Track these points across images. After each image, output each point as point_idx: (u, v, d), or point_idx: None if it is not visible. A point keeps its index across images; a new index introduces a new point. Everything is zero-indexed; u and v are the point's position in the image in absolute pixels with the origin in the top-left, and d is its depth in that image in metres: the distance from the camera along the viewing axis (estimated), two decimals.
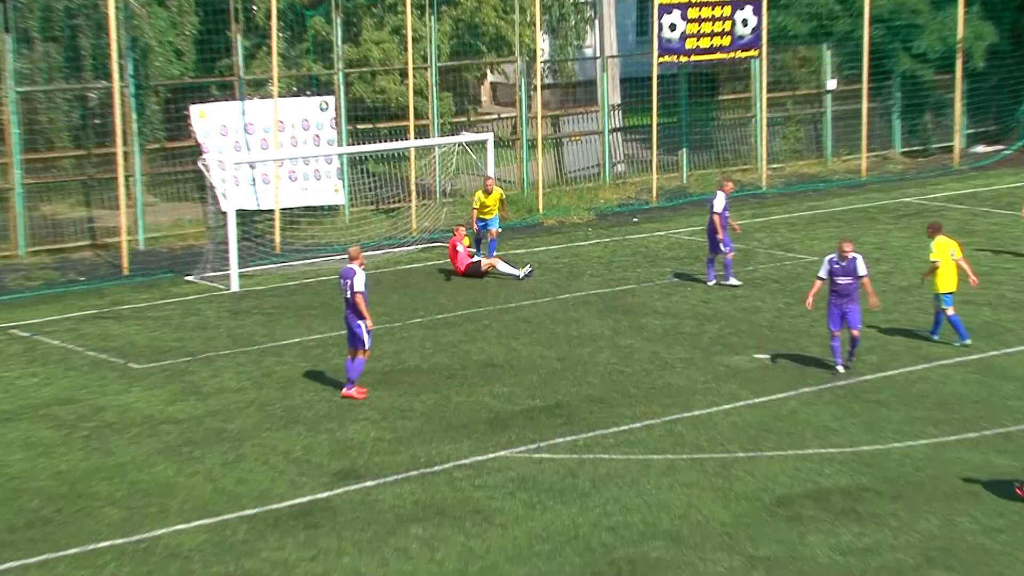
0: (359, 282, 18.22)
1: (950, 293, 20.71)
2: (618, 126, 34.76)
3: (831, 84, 36.43)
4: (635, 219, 31.18)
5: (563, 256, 27.64)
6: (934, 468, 16.40)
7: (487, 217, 25.98)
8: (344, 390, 18.64)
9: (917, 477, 16.15)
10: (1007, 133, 38.73)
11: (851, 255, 19.38)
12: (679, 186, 34.39)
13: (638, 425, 17.78)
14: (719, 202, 24.29)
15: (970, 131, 38.46)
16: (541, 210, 31.24)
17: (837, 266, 19.47)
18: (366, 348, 18.44)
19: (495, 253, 26.16)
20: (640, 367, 20.25)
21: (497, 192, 26.02)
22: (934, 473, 16.26)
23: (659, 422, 17.95)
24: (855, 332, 19.56)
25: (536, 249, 28.27)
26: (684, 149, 34.88)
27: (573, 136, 34.27)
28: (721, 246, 24.33)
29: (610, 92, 34.08)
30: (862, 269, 19.49)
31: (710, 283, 24.51)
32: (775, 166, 35.88)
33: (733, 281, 24.43)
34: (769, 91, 34.82)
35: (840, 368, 19.72)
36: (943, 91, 37.59)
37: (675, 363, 20.46)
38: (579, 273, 26.17)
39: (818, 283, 19.75)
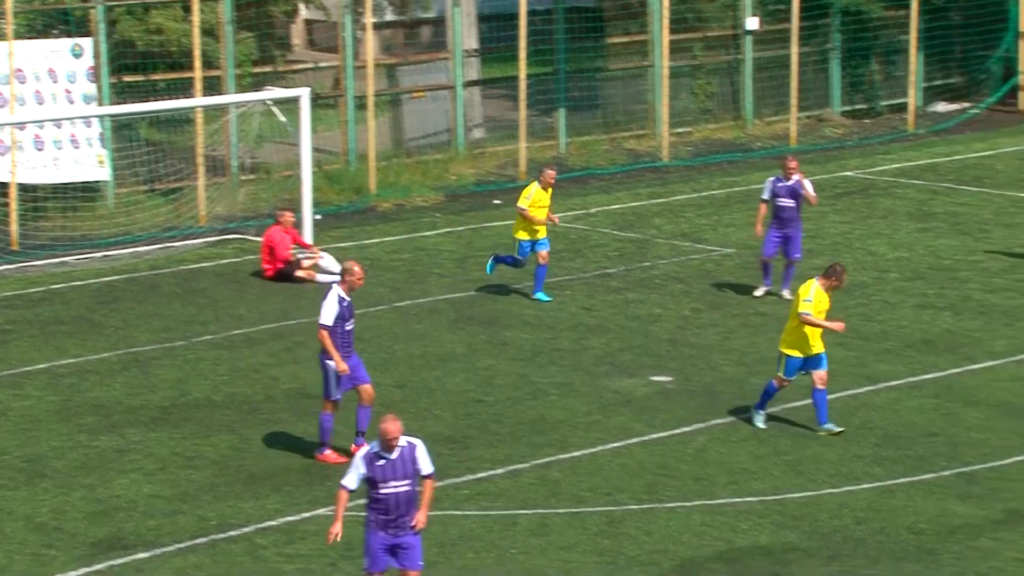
0: (324, 310, 17.87)
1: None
2: (475, 79, 35.05)
3: (751, 23, 37.08)
4: (497, 201, 31.51)
5: (403, 251, 27.82)
6: (879, 520, 16.93)
7: (535, 237, 23.84)
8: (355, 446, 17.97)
9: (858, 532, 16.66)
10: (976, 87, 39.82)
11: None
12: (555, 157, 34.79)
13: (500, 471, 18.00)
14: (768, 186, 24.10)
15: (929, 85, 39.46)
16: (374, 190, 31.40)
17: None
18: (329, 397, 18.19)
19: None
20: (504, 395, 20.49)
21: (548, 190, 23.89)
22: (879, 526, 16.79)
23: (528, 467, 18.18)
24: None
25: (367, 242, 28.39)
26: (562, 109, 35.28)
27: (416, 92, 34.47)
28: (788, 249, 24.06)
29: (464, 33, 34.35)
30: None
31: (758, 294, 24.31)
32: (679, 131, 36.47)
33: (760, 291, 24.34)
34: (672, 32, 35.41)
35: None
36: (894, 32, 38.54)
37: (549, 390, 20.75)
38: (424, 273, 26.37)
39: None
